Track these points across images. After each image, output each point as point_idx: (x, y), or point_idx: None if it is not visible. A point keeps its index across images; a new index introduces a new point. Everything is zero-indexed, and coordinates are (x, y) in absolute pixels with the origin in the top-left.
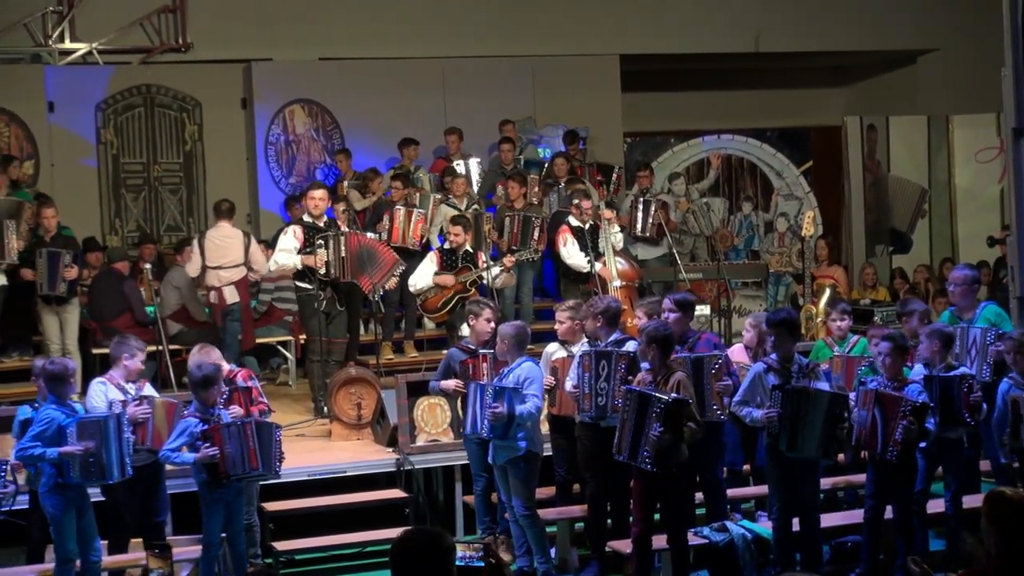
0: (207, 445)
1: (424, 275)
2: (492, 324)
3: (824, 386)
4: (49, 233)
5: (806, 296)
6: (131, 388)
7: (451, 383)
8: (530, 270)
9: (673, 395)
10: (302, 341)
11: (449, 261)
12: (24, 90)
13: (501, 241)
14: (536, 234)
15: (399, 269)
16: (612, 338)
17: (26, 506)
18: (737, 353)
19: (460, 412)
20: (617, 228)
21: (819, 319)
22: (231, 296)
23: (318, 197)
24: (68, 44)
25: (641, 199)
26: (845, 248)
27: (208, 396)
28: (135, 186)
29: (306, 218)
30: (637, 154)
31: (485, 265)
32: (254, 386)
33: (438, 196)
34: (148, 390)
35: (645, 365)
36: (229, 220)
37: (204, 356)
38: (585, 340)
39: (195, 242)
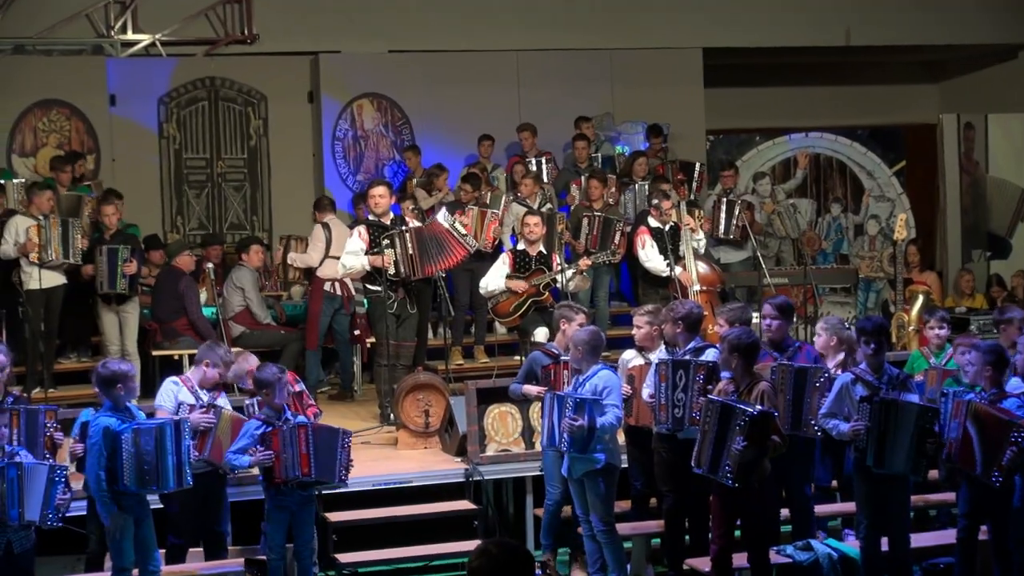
0: (263, 449)
1: (496, 277)
2: None
3: (914, 398)
4: (110, 230)
5: (898, 303)
6: (204, 395)
7: (534, 388)
8: (606, 273)
9: (758, 407)
10: (369, 345)
11: (522, 263)
12: (85, 83)
13: (577, 243)
14: (617, 237)
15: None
16: (691, 345)
17: (83, 512)
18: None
19: (533, 421)
20: (701, 234)
21: (911, 328)
22: (350, 288)
23: (378, 195)
24: (130, 35)
25: (724, 200)
26: (939, 253)
27: (271, 397)
28: (198, 182)
29: (371, 217)
30: (720, 152)
31: (559, 268)
32: (303, 390)
33: (509, 196)
34: (223, 401)
35: (726, 374)
36: (334, 213)
37: (242, 363)
38: (663, 347)
39: (318, 229)
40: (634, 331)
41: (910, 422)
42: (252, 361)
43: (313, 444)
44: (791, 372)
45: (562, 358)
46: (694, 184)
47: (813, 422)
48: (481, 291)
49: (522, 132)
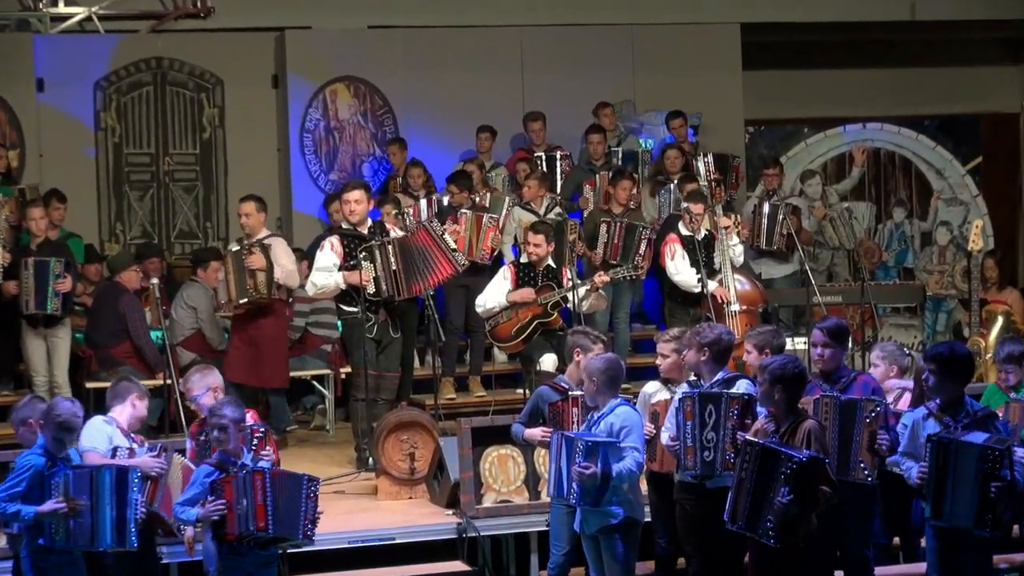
0: (213, 499)
1: (495, 295)
2: None
3: (977, 437)
4: (37, 239)
5: (973, 326)
6: (126, 442)
7: (537, 431)
8: (628, 291)
9: (807, 452)
10: (343, 376)
11: (526, 278)
12: (8, 64)
13: (594, 254)
14: (643, 247)
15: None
16: (719, 377)
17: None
18: None
19: (538, 466)
20: (736, 239)
21: (988, 355)
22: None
23: (353, 200)
24: (62, 8)
25: (767, 203)
26: (1022, 267)
27: (226, 440)
28: (141, 182)
29: (345, 225)
30: (762, 147)
31: (570, 284)
32: (266, 432)
33: (512, 198)
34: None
35: (762, 410)
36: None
37: (203, 379)
38: (689, 379)
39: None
40: (659, 360)
41: (970, 466)
42: (217, 377)
43: (272, 493)
44: (837, 405)
45: (572, 393)
46: (728, 181)
47: (863, 464)
48: (478, 310)
49: (532, 123)
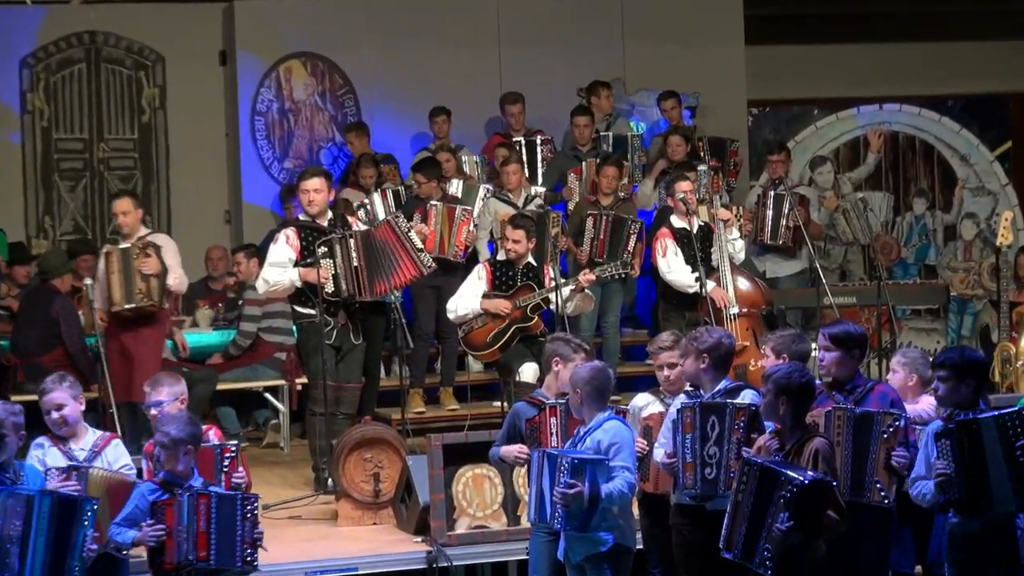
0: (152, 522)
1: (469, 297)
2: None
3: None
4: None
5: (1002, 330)
6: (81, 450)
7: (513, 448)
8: (617, 292)
9: (811, 474)
10: (299, 387)
11: (504, 277)
12: None
13: (579, 251)
14: (632, 243)
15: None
16: (721, 386)
17: None
18: None
19: (518, 487)
20: (737, 232)
21: (1020, 362)
22: None
23: (312, 188)
24: None
25: (772, 192)
26: None
27: (175, 460)
28: (72, 171)
29: (302, 217)
30: (767, 131)
31: (552, 283)
32: (236, 451)
33: (487, 188)
34: (113, 453)
35: (769, 425)
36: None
37: (173, 386)
38: (686, 388)
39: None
40: (663, 372)
41: (994, 438)
42: (169, 390)
43: (216, 519)
44: (850, 418)
45: (548, 402)
46: (727, 167)
47: (879, 484)
48: (449, 315)
49: (510, 105)
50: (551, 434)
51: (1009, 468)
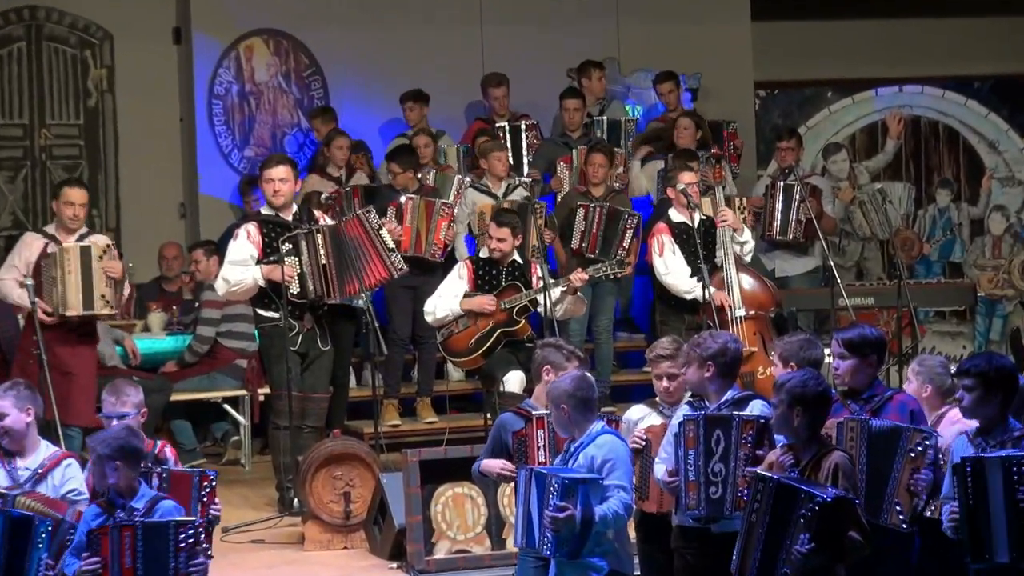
0: (87, 555)
1: (448, 299)
2: None
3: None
4: None
5: None
6: (26, 469)
7: (496, 463)
8: (611, 292)
9: (832, 491)
10: (261, 398)
11: (487, 277)
12: None
13: (563, 249)
14: (627, 239)
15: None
16: (728, 396)
17: None
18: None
19: (503, 508)
20: (748, 235)
21: None
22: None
23: (278, 177)
24: None
25: (781, 183)
26: None
27: (101, 475)
28: (12, 160)
29: (265, 211)
30: (775, 115)
31: (540, 283)
32: (201, 474)
33: (466, 179)
34: (61, 475)
35: (780, 439)
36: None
37: (136, 395)
38: (687, 399)
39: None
40: (662, 382)
41: (997, 481)
42: (132, 399)
43: (143, 553)
44: (864, 431)
45: (536, 413)
46: (728, 153)
47: (899, 507)
48: (427, 318)
49: (494, 88)
50: (538, 448)
51: (1007, 516)
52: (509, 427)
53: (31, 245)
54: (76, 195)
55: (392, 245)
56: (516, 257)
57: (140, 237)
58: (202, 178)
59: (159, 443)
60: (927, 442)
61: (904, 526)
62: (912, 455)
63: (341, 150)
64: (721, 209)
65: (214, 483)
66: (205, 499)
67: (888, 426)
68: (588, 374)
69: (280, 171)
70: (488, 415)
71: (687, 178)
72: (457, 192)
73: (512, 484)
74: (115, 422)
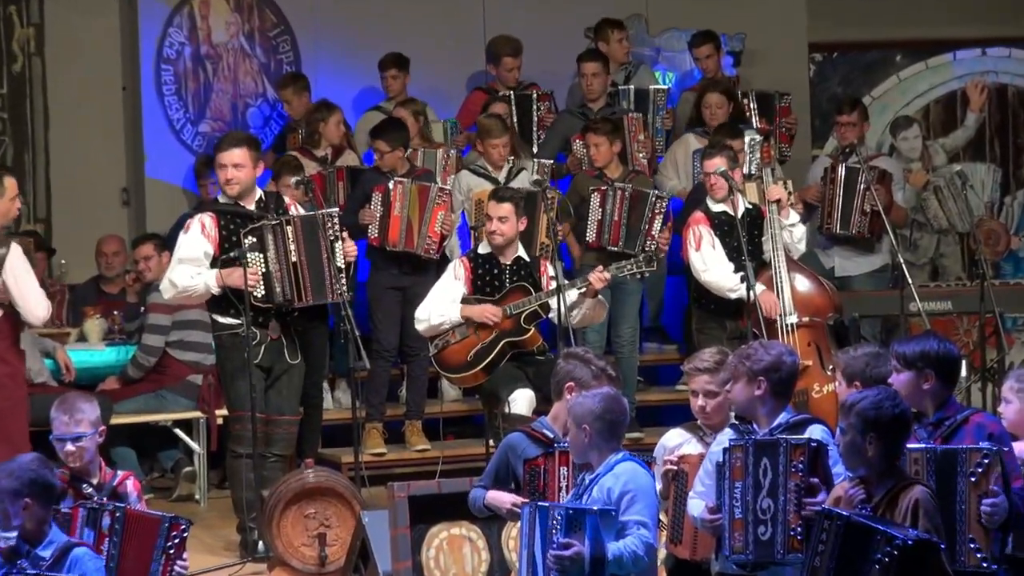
0: None
1: (444, 302)
2: None
3: None
4: None
5: None
6: None
7: (506, 496)
8: (636, 293)
9: (913, 531)
10: (220, 421)
11: (487, 276)
12: None
13: (582, 241)
14: (655, 226)
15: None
16: (780, 420)
17: None
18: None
19: (508, 551)
20: (795, 217)
21: None
22: None
23: (231, 163)
24: None
25: (842, 166)
26: None
27: (32, 516)
28: None
29: (224, 198)
30: (834, 83)
31: (553, 283)
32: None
33: (451, 151)
34: None
35: (840, 471)
36: None
37: (92, 411)
38: (731, 422)
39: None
40: (698, 400)
41: None
42: (88, 416)
43: None
44: (931, 460)
45: (560, 446)
46: (778, 134)
47: (973, 544)
48: (418, 327)
49: (505, 55)
50: (560, 488)
51: None
52: (519, 450)
53: None
54: (227, 155)
55: (342, 265)
56: (522, 253)
57: (75, 229)
58: (149, 158)
59: (120, 473)
60: (986, 460)
61: (985, 564)
62: (973, 479)
63: (338, 127)
64: (773, 192)
65: (186, 534)
66: (172, 551)
67: (949, 450)
68: (622, 396)
69: (235, 155)
70: (491, 442)
71: (714, 163)
72: (444, 170)
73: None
74: (70, 446)
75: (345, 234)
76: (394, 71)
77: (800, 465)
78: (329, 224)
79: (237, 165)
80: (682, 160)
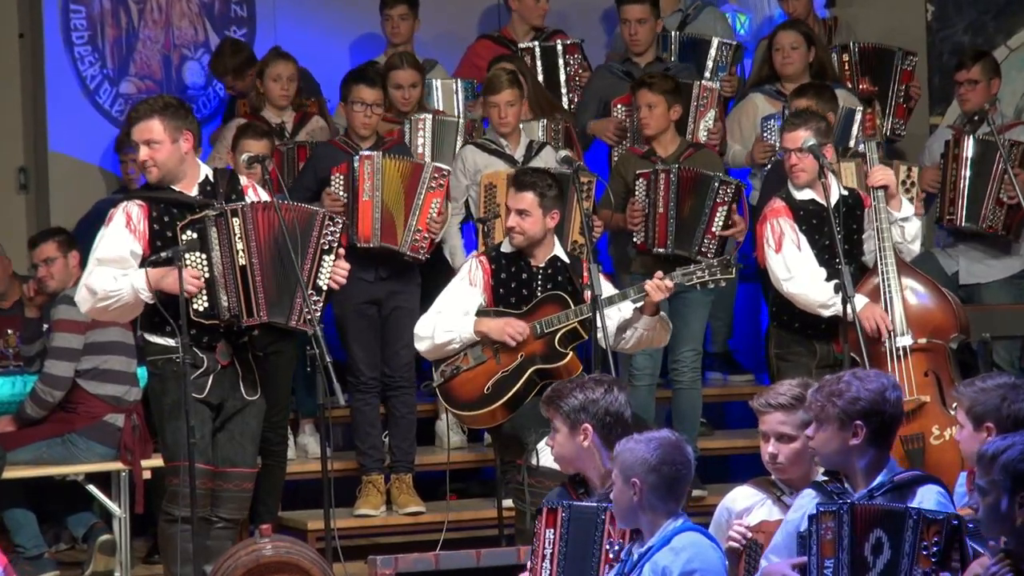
0: None
1: (452, 314)
2: None
3: None
4: None
5: None
6: None
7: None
8: (700, 306)
9: None
10: (148, 474)
11: (511, 282)
12: None
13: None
14: (718, 220)
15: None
16: (883, 478)
17: None
18: None
19: None
20: (910, 209)
21: None
22: None
23: (142, 138)
24: None
25: (968, 138)
26: None
27: None
28: None
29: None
30: (959, 32)
31: (592, 291)
32: None
33: (460, 120)
34: None
35: (972, 544)
36: None
37: None
38: (817, 478)
39: None
40: (768, 447)
41: None
42: None
43: None
44: None
45: (606, 507)
46: (895, 103)
47: None
48: (418, 346)
49: None
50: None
51: None
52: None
53: None
54: (142, 127)
55: (325, 285)
56: (559, 253)
57: None
58: (52, 129)
59: None
60: None
61: None
62: None
63: (279, 82)
64: (877, 176)
65: None
66: None
67: None
68: (685, 444)
69: (146, 128)
70: (514, 501)
71: (796, 136)
72: (459, 143)
73: None
74: None
75: (342, 250)
76: (402, 9)
77: (934, 547)
78: (328, 226)
79: (150, 142)
80: (748, 129)
